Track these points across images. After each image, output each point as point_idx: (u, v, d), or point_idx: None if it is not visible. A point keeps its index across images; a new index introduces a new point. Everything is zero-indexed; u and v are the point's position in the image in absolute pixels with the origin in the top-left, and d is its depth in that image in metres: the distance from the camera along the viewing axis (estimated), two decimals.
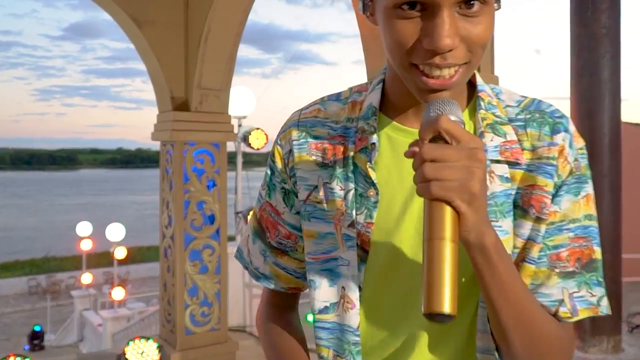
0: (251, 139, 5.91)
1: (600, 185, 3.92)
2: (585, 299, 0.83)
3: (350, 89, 0.96)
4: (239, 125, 6.07)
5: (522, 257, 0.83)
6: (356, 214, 0.86)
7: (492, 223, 0.75)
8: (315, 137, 0.92)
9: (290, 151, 0.93)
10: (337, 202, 0.88)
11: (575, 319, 0.83)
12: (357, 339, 0.88)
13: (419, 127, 0.72)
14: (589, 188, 0.85)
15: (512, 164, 0.83)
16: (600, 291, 0.84)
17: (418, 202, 0.83)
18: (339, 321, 0.89)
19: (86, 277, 13.64)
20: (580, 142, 0.86)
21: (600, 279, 0.85)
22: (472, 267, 0.74)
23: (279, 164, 0.96)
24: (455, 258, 0.67)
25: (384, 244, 0.86)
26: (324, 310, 0.90)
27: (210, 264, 4.82)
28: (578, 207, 0.84)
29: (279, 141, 0.96)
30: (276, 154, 0.96)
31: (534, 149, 0.84)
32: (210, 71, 4.59)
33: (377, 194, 0.85)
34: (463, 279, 0.83)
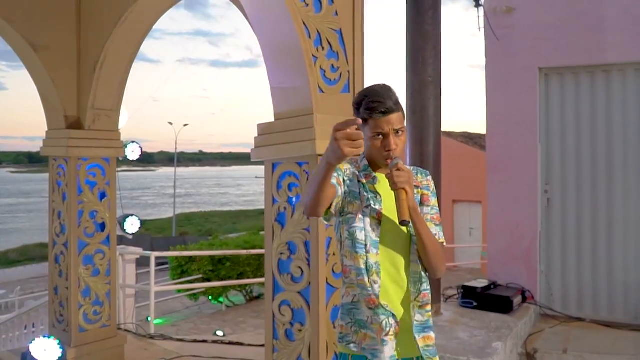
0: (127, 152, 6.38)
1: None
2: (439, 235, 2.07)
3: (352, 159, 2.06)
4: None
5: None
6: (373, 205, 2.03)
7: None
8: (350, 170, 2.08)
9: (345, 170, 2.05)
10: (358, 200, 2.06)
11: (440, 242, 2.06)
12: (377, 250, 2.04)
13: (389, 166, 1.94)
14: (435, 195, 2.14)
15: (417, 187, 2.08)
16: (442, 234, 2.08)
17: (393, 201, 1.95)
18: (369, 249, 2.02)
19: None
20: (432, 181, 2.14)
21: (441, 229, 2.09)
22: (413, 225, 1.96)
23: (341, 171, 2.02)
24: (407, 206, 1.87)
25: (387, 217, 2.03)
26: (364, 242, 2.00)
27: (101, 267, 5.29)
28: (434, 202, 2.13)
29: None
30: (341, 166, 2.03)
31: (421, 182, 2.12)
32: (103, 93, 5.07)
33: (381, 199, 2.05)
34: (406, 233, 2.02)
